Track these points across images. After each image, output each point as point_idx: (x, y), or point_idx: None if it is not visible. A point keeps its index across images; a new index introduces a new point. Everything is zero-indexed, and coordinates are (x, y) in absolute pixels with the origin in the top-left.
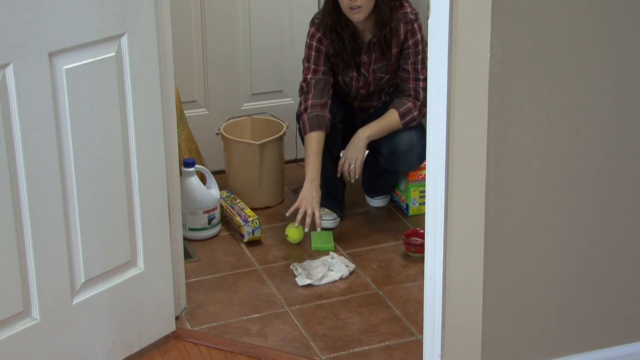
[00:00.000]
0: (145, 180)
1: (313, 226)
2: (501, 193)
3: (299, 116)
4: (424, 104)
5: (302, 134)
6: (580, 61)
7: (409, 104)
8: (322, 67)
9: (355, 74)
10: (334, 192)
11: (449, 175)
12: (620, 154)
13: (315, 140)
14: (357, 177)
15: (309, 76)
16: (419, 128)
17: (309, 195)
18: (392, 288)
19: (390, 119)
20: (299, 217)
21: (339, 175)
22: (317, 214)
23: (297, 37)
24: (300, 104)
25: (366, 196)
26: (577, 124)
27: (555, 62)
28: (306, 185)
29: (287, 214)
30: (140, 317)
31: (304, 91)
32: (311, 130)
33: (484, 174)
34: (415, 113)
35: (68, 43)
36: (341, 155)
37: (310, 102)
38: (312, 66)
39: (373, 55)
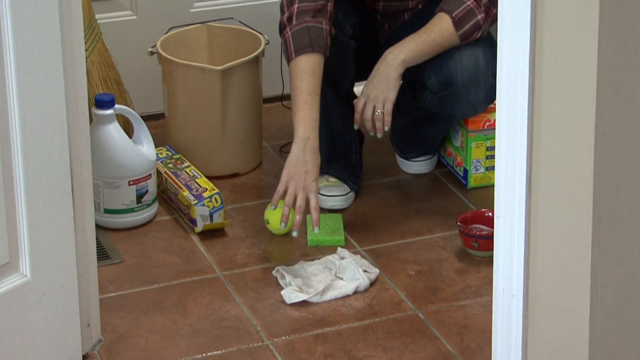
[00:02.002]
0: (31, 131)
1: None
2: (623, 150)
3: (281, 30)
4: (493, 3)
5: (287, 59)
6: None
7: (469, 2)
8: None
9: None
10: (344, 151)
11: (533, 121)
12: None
13: (307, 70)
14: (387, 129)
15: None
16: (487, 43)
17: (300, 166)
18: (440, 308)
19: (440, 28)
20: (286, 208)
21: (356, 126)
22: (313, 201)
23: None
24: (282, 11)
25: (398, 156)
26: None
27: None
28: (295, 149)
29: (271, 206)
30: (25, 354)
31: None
32: (297, 53)
33: (592, 117)
34: (480, 17)
35: None
36: (357, 93)
37: (296, 6)
38: None
39: None
